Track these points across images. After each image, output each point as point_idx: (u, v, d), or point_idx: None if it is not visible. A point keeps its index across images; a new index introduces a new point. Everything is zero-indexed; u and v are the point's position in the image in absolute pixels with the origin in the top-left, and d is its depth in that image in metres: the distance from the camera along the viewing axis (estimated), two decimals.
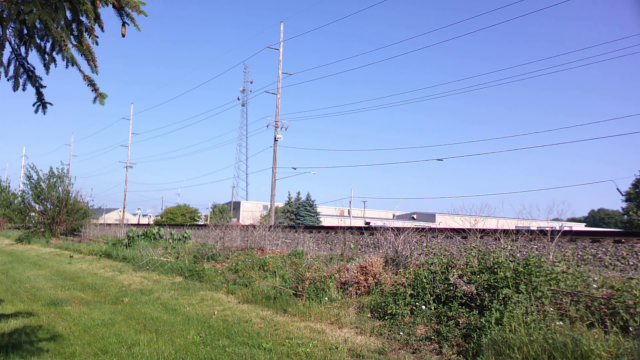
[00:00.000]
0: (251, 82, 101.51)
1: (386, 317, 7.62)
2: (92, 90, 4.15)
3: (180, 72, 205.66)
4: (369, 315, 8.06)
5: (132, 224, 39.41)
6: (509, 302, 6.40)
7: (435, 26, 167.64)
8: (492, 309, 6.42)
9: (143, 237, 21.93)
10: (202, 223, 54.56)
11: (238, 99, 77.03)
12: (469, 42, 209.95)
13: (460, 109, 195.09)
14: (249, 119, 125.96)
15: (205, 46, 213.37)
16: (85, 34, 4.04)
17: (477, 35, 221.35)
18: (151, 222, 57.52)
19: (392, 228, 11.42)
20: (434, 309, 7.42)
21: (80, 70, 4.10)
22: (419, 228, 12.69)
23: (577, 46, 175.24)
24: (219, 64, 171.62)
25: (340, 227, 18.89)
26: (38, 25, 3.93)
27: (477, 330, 6.33)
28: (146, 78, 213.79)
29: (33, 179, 32.97)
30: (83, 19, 3.96)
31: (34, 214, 33.84)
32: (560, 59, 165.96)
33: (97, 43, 4.11)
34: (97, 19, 4.02)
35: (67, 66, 4.12)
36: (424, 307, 7.49)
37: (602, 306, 6.06)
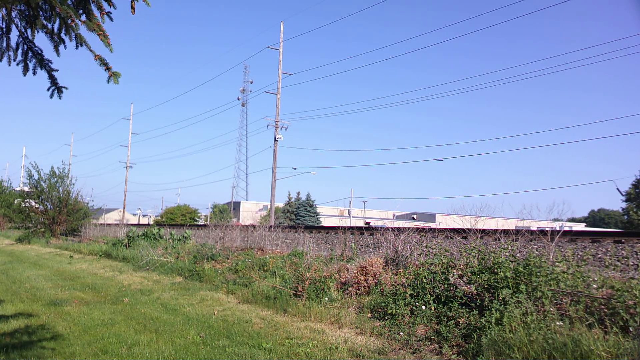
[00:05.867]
0: (251, 82, 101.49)
1: (386, 317, 7.62)
2: (105, 70, 4.01)
3: (180, 72, 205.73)
4: (369, 315, 8.06)
5: (132, 224, 39.39)
6: (509, 302, 6.40)
7: (435, 26, 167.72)
8: (492, 309, 6.42)
9: (143, 237, 21.92)
10: (202, 223, 54.56)
11: (238, 99, 77.09)
12: (469, 42, 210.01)
13: (460, 109, 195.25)
14: (249, 119, 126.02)
15: (205, 46, 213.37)
16: (96, 12, 3.90)
17: (477, 35, 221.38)
18: (151, 222, 57.54)
19: (392, 228, 11.42)
20: (434, 309, 7.42)
21: (90, 50, 3.97)
22: (419, 228, 12.69)
23: (577, 46, 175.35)
24: (219, 64, 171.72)
25: (341, 227, 18.88)
26: (44, 7, 3.86)
27: (477, 330, 6.33)
28: (146, 78, 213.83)
29: (34, 178, 33.00)
30: None
31: (34, 214, 33.79)
32: (560, 59, 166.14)
33: (111, 19, 3.95)
34: None
35: (76, 47, 3.99)
36: (424, 307, 7.49)
37: (602, 306, 6.06)
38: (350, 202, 66.64)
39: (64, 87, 4.39)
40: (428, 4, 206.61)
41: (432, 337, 6.74)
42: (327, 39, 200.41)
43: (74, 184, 34.26)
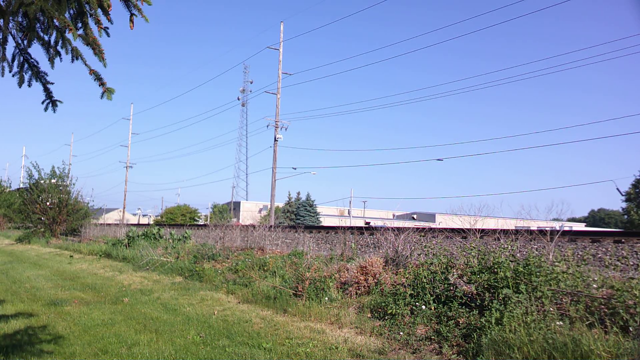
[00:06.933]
0: (251, 82, 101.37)
1: (386, 317, 7.62)
2: (99, 85, 4.01)
3: (180, 72, 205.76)
4: (369, 315, 8.06)
5: (132, 224, 39.38)
6: (509, 302, 6.40)
7: (435, 26, 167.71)
8: (492, 309, 6.42)
9: (143, 237, 21.91)
10: (202, 223, 54.56)
11: (238, 99, 77.10)
12: (469, 42, 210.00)
13: (460, 109, 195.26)
14: (249, 119, 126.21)
15: (205, 46, 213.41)
16: (93, 26, 3.89)
17: (477, 35, 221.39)
18: (151, 222, 57.53)
19: (392, 228, 11.42)
20: (434, 309, 7.42)
21: (86, 65, 3.97)
22: (419, 228, 12.70)
23: (577, 46, 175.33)
24: (219, 64, 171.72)
25: (341, 227, 18.87)
26: (41, 18, 3.86)
27: (477, 330, 6.33)
28: (146, 78, 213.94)
29: (34, 178, 33.00)
30: (87, 9, 3.83)
31: (34, 214, 33.79)
32: (560, 59, 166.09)
33: (108, 34, 3.94)
34: (105, 11, 3.91)
35: (72, 60, 3.99)
36: (424, 307, 7.49)
37: (602, 306, 6.06)
38: (350, 202, 66.67)
39: (59, 101, 4.37)
40: (428, 4, 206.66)
41: (432, 337, 6.74)
42: (327, 39, 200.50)
43: (74, 184, 34.31)
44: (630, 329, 5.58)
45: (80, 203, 34.53)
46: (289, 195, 75.66)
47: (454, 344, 6.42)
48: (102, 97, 4.05)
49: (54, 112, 4.41)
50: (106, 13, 3.93)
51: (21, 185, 53.84)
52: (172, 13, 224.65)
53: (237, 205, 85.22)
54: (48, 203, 32.59)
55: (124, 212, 53.43)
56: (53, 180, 33.01)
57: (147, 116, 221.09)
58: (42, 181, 32.90)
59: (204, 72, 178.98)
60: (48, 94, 4.35)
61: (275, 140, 31.29)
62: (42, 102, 4.35)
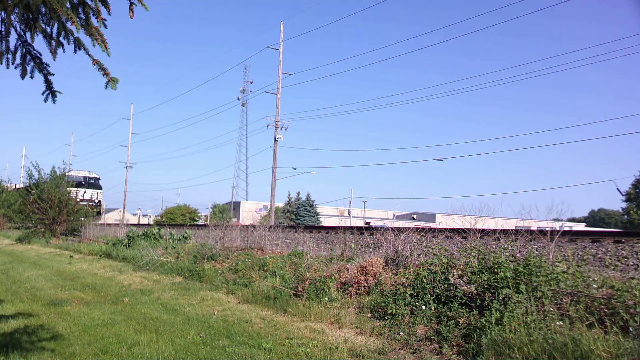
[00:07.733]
0: (251, 82, 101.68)
1: (386, 317, 7.62)
2: (103, 75, 4.00)
3: (180, 72, 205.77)
4: (369, 315, 8.06)
5: (132, 224, 39.34)
6: (509, 302, 6.40)
7: (435, 26, 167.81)
8: (492, 309, 6.41)
9: (143, 237, 21.90)
10: (202, 223, 54.56)
11: (238, 99, 77.30)
12: (469, 42, 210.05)
13: (460, 109, 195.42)
14: (249, 119, 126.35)
15: (205, 46, 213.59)
16: (93, 18, 3.90)
17: (477, 35, 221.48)
18: (151, 222, 57.51)
19: (392, 228, 11.41)
20: (434, 309, 7.42)
21: (88, 54, 3.97)
22: (419, 228, 12.69)
23: (577, 46, 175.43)
24: (219, 64, 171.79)
25: (341, 227, 18.85)
26: (43, 10, 3.86)
27: (477, 330, 6.33)
28: (146, 78, 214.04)
29: (34, 178, 33.00)
30: (88, 1, 3.85)
31: (34, 214, 33.76)
32: (560, 59, 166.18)
33: (105, 26, 3.95)
34: (103, 1, 3.92)
35: (75, 51, 3.99)
36: (424, 307, 7.49)
37: (602, 306, 6.06)
38: (350, 202, 66.72)
39: (58, 92, 4.39)
40: (428, 4, 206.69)
41: (432, 337, 6.74)
42: (327, 39, 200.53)
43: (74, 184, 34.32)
44: (630, 329, 5.58)
45: (80, 203, 34.59)
46: (289, 195, 75.72)
47: (454, 344, 6.42)
48: (106, 86, 4.02)
49: (54, 102, 4.42)
50: (105, 3, 3.92)
51: (21, 185, 53.78)
52: (172, 13, 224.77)
53: (237, 205, 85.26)
54: (48, 203, 32.46)
55: (124, 212, 53.45)
56: (53, 181, 32.98)
57: (147, 116, 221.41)
58: (42, 181, 32.85)
59: (204, 72, 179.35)
60: (48, 84, 4.36)
61: (275, 140, 31.30)
62: (42, 93, 4.37)
